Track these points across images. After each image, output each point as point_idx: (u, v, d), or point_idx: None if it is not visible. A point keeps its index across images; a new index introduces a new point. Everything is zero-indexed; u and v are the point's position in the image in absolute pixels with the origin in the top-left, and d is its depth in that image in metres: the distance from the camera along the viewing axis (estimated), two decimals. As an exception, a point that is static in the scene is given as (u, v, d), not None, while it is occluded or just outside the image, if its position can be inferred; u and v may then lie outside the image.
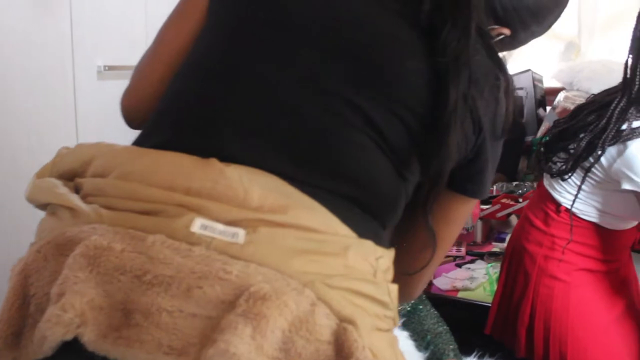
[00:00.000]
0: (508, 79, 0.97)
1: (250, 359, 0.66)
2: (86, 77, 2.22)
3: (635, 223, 1.74)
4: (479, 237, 2.74)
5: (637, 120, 1.52)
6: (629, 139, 1.50)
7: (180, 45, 0.96)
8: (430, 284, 2.38)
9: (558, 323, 1.70)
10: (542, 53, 3.66)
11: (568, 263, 1.72)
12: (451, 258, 2.59)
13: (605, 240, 1.72)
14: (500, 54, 1.13)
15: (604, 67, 3.43)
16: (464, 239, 2.69)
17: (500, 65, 0.95)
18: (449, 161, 0.89)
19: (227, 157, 0.80)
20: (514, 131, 2.72)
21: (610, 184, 1.58)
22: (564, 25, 3.71)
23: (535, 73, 3.59)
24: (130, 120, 1.02)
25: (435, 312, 1.59)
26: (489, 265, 2.56)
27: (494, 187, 2.88)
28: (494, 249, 2.68)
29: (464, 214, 1.02)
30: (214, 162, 0.79)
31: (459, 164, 0.92)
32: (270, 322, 0.68)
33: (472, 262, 2.60)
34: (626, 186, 1.51)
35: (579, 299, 1.71)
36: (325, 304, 0.73)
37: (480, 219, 2.71)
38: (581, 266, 1.72)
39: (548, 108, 3.58)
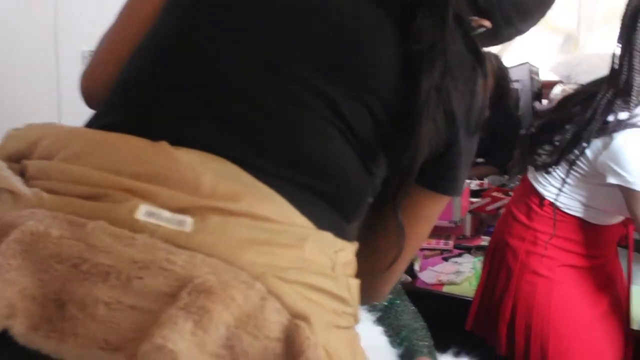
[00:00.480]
0: (486, 71, 0.92)
1: (190, 356, 0.62)
2: (71, 62, 2.17)
3: (621, 218, 1.70)
4: (468, 231, 2.70)
5: (623, 111, 1.47)
6: (615, 131, 1.46)
7: (142, 24, 0.91)
8: (416, 277, 2.35)
9: (540, 320, 1.66)
10: (540, 46, 3.64)
11: (551, 258, 1.68)
12: (438, 251, 2.56)
13: (590, 235, 1.68)
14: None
15: (602, 61, 3.35)
16: (453, 232, 2.65)
17: (479, 57, 0.91)
18: (419, 155, 0.85)
19: (179, 141, 0.76)
20: (508, 123, 2.73)
21: (596, 178, 1.54)
22: (563, 18, 3.68)
23: (532, 66, 3.59)
24: (90, 101, 0.98)
25: (413, 307, 1.55)
26: (476, 259, 2.52)
27: (486, 180, 2.84)
28: (483, 243, 2.64)
29: (434, 212, 0.98)
30: (164, 146, 0.75)
31: (430, 158, 0.88)
32: (214, 316, 0.64)
33: (459, 255, 2.57)
34: (611, 180, 1.47)
35: (561, 295, 1.67)
36: (277, 299, 0.69)
37: (470, 212, 2.67)
38: (564, 262, 1.68)
39: (545, 101, 3.61)
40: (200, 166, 0.74)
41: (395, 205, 0.89)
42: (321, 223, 0.78)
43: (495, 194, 2.66)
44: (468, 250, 2.60)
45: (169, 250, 0.67)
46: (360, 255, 0.83)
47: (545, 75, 3.73)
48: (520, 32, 1.07)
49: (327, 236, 0.77)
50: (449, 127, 0.88)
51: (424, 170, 0.87)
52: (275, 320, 0.68)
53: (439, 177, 0.94)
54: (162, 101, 0.81)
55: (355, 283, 0.80)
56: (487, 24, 1.01)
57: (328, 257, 0.76)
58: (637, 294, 2.10)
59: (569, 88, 3.37)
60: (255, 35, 0.83)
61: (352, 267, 0.81)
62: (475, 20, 1.00)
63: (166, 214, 0.70)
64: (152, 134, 0.76)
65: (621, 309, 1.78)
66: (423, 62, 0.83)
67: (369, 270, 0.89)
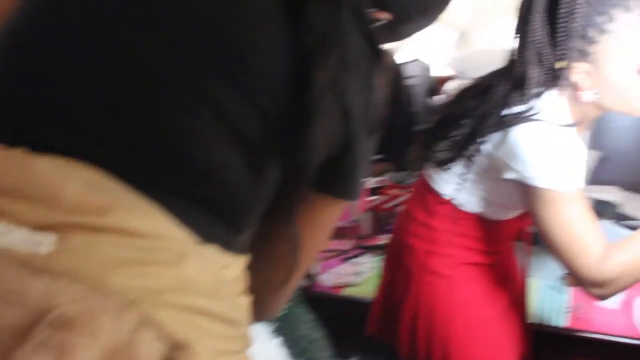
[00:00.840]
0: (384, 65, 0.86)
1: None
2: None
3: (518, 212, 1.67)
4: (367, 230, 2.64)
5: (519, 105, 1.42)
6: (512, 125, 1.40)
7: (7, 9, 0.80)
8: (314, 281, 2.28)
9: (441, 321, 1.62)
10: (436, 41, 3.64)
11: (451, 257, 1.63)
12: (337, 252, 2.49)
13: (490, 231, 1.64)
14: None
15: (493, 56, 3.42)
16: (352, 232, 2.59)
17: (377, 50, 0.84)
18: (314, 157, 0.77)
19: (38, 146, 0.66)
20: (403, 120, 2.71)
21: (494, 173, 1.49)
22: (458, 13, 3.71)
23: (424, 62, 3.57)
24: None
25: (312, 316, 1.49)
26: (376, 258, 2.45)
27: (385, 178, 2.80)
28: (382, 242, 2.53)
29: (332, 217, 0.91)
30: (20, 152, 0.65)
31: (326, 160, 0.81)
32: (77, 353, 0.55)
33: (359, 256, 2.50)
34: (509, 175, 1.43)
35: (462, 295, 1.63)
36: (154, 326, 0.61)
37: (369, 210, 2.62)
38: (464, 260, 1.64)
39: (439, 97, 3.54)
40: (63, 175, 0.64)
41: (290, 213, 0.82)
42: (205, 236, 0.70)
43: (392, 191, 2.62)
44: (368, 249, 2.54)
45: (23, 276, 0.58)
46: (252, 268, 0.76)
47: (440, 71, 3.70)
48: (419, 27, 1.02)
49: (212, 251, 0.69)
50: (345, 126, 0.80)
51: (320, 173, 0.80)
52: (151, 352, 0.59)
53: (336, 180, 0.87)
54: (18, 100, 0.71)
55: (244, 301, 0.73)
56: (386, 16, 0.94)
57: (213, 275, 0.68)
58: (533, 287, 2.13)
59: (463, 83, 3.42)
60: (125, 23, 0.73)
61: (241, 283, 0.73)
62: (373, 12, 0.94)
63: (21, 233, 0.60)
64: (6, 138, 0.66)
65: (520, 304, 1.77)
66: (316, 53, 0.76)
67: (262, 285, 0.81)
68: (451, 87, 3.49)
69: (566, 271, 1.44)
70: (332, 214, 0.90)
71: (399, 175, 2.83)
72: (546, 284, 2.26)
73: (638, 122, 2.99)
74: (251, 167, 0.76)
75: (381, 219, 2.68)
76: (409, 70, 3.33)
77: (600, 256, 1.35)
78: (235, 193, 0.75)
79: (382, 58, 0.85)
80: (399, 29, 0.99)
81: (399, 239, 1.73)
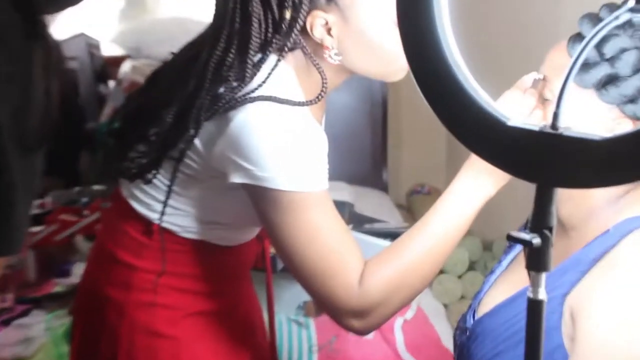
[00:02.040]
0: (50, 42, 0.75)
1: None
2: None
3: (255, 232, 1.32)
4: (31, 275, 2.15)
5: (237, 80, 1.09)
6: (230, 109, 1.07)
7: None
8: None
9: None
10: (96, 11, 3.24)
11: (170, 309, 1.23)
12: (-8, 314, 2.00)
13: (220, 263, 1.28)
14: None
15: (180, 27, 3.04)
16: (9, 281, 2.07)
17: (36, 21, 0.72)
18: None
19: None
20: (69, 116, 1.84)
21: (214, 179, 1.14)
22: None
23: (90, 37, 3.22)
24: None
25: None
26: (50, 315, 1.99)
27: (48, 199, 2.30)
28: (57, 289, 2.12)
29: None
30: None
31: None
32: None
33: (25, 314, 2.02)
34: (234, 178, 1.08)
35: (193, 358, 1.25)
36: None
37: (32, 247, 2.13)
38: (191, 309, 1.25)
39: (112, 82, 3.26)
40: None
41: None
42: None
43: (64, 216, 2.16)
44: (37, 303, 2.06)
45: None
46: None
47: (106, 50, 3.34)
48: None
49: None
50: None
51: None
52: None
53: None
54: None
55: None
56: None
57: None
58: (279, 325, 1.92)
59: (141, 64, 3.07)
60: None
61: None
62: None
63: None
64: None
65: (265, 353, 1.46)
66: None
67: None
68: (126, 69, 3.17)
69: (305, 299, 1.20)
70: None
71: (69, 193, 2.40)
72: (286, 317, 2.02)
73: (353, 102, 3.06)
74: None
75: (51, 258, 2.23)
76: (69, 49, 2.92)
77: (360, 274, 1.09)
78: None
79: (44, 34, 0.75)
80: None
81: (94, 290, 1.29)
